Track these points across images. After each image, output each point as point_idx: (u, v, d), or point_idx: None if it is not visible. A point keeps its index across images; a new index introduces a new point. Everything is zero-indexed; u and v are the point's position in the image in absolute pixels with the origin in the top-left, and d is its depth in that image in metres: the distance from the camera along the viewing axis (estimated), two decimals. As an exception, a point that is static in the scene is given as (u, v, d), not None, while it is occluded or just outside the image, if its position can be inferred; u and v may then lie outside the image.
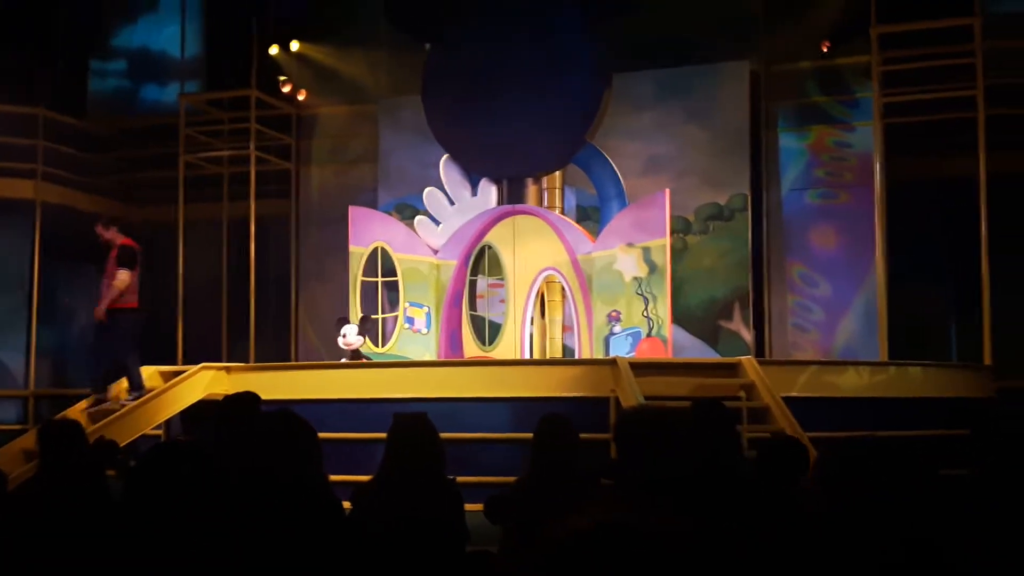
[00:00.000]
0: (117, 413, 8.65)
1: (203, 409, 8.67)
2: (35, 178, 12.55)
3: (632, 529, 1.34)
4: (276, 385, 8.73)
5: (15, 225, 12.43)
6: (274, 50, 13.50)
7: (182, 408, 8.93)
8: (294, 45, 13.57)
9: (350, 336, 10.48)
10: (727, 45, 12.11)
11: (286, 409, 3.44)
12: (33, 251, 12.40)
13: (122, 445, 6.59)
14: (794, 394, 8.50)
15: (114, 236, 9.12)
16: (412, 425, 4.05)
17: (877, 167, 11.06)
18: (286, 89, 13.57)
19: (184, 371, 9.24)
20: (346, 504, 3.62)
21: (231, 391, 6.93)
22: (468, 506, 4.04)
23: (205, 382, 9.05)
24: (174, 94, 14.09)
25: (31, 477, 4.74)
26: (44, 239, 12.42)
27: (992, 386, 9.87)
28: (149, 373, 9.52)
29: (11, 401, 12.19)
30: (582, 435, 4.33)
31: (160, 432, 8.94)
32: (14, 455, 8.38)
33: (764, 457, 4.20)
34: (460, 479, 4.21)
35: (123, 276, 8.81)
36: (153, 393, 8.91)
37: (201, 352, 11.19)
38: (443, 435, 4.11)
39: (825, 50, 12.22)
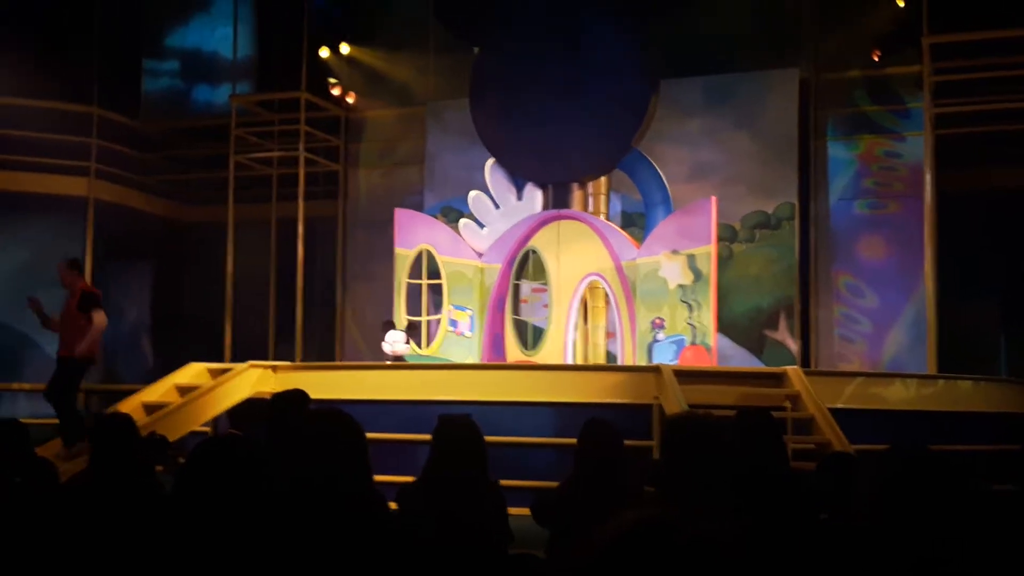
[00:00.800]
0: (167, 409, 8.77)
1: (250, 407, 8.77)
2: (89, 176, 12.77)
3: (676, 529, 1.36)
4: (321, 384, 8.79)
5: (69, 222, 12.66)
6: (324, 53, 13.64)
7: (230, 405, 9.04)
8: (344, 48, 13.71)
9: (397, 345, 10.58)
10: (776, 53, 12.05)
11: (334, 407, 3.48)
12: (85, 247, 12.61)
13: (171, 441, 6.69)
14: (840, 405, 8.42)
15: (75, 280, 9.03)
16: (457, 427, 4.07)
17: (927, 178, 10.94)
18: (336, 91, 13.71)
19: (232, 369, 9.35)
20: (391, 505, 3.65)
21: (277, 389, 7.01)
22: (511, 509, 4.06)
23: (252, 380, 9.15)
24: (225, 95, 14.28)
25: (82, 470, 4.82)
26: (97, 236, 12.64)
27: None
28: (197, 371, 9.65)
29: (62, 395, 12.36)
30: (625, 441, 4.33)
31: (208, 429, 9.04)
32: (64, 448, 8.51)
33: (823, 470, 4.17)
34: (502, 482, 4.22)
35: (102, 318, 8.78)
36: (202, 390, 9.03)
37: (248, 350, 11.32)
38: (486, 438, 4.13)
39: (876, 59, 12.12)
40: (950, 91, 10.93)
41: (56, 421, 8.48)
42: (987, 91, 10.73)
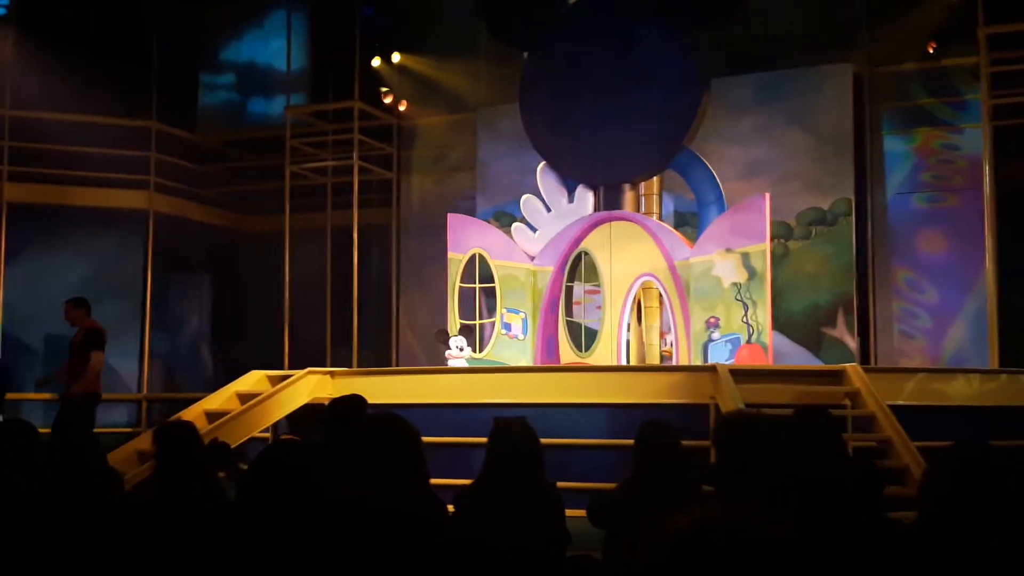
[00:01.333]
0: (228, 416, 8.91)
1: (308, 412, 8.86)
2: (148, 189, 13.00)
3: (734, 528, 1.36)
4: (378, 389, 8.88)
5: (129, 234, 12.90)
6: (376, 62, 13.77)
7: (289, 411, 9.15)
8: (395, 57, 13.83)
9: (467, 350, 10.65)
10: (829, 48, 11.92)
11: (391, 412, 3.52)
12: (146, 260, 12.84)
13: (232, 447, 6.79)
14: (901, 402, 8.32)
15: (81, 318, 9.09)
16: (512, 429, 4.09)
17: (986, 170, 10.76)
18: (388, 100, 13.83)
19: (291, 375, 9.47)
20: (449, 508, 3.68)
21: (335, 395, 7.09)
22: (567, 511, 4.07)
23: (311, 386, 9.27)
24: (280, 107, 14.46)
25: (146, 478, 4.91)
26: (156, 248, 12.86)
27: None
28: (258, 378, 9.79)
29: (125, 404, 12.63)
30: (682, 442, 4.32)
31: (268, 435, 9.17)
32: (129, 456, 8.69)
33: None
34: (559, 484, 4.23)
35: (99, 357, 8.89)
36: (262, 397, 9.16)
37: (306, 357, 11.45)
38: (541, 440, 4.15)
39: (931, 51, 11.94)
40: (1008, 81, 10.74)
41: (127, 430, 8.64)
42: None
